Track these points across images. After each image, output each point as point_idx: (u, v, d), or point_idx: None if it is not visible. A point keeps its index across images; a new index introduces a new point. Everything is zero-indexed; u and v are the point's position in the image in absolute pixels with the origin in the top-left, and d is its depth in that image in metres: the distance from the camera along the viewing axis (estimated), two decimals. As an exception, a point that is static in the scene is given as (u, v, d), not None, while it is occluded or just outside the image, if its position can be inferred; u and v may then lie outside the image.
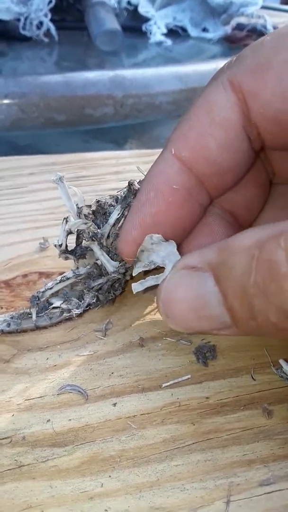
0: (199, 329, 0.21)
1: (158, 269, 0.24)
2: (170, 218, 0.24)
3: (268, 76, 0.21)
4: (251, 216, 0.27)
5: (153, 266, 0.24)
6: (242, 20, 1.25)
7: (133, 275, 0.25)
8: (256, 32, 1.20)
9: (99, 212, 0.27)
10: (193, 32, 1.25)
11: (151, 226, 0.24)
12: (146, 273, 0.26)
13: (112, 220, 0.27)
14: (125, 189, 0.27)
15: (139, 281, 0.25)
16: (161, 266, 0.24)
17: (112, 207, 0.27)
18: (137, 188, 0.27)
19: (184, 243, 0.25)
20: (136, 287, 0.25)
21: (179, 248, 0.25)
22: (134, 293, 0.25)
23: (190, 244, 0.25)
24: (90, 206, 0.27)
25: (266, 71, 0.21)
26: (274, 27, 1.20)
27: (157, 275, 0.24)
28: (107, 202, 0.27)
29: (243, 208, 0.26)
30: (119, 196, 0.27)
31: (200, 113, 0.22)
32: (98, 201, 0.27)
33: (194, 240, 0.25)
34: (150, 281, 0.24)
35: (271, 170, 0.26)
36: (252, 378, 0.25)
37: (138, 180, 0.27)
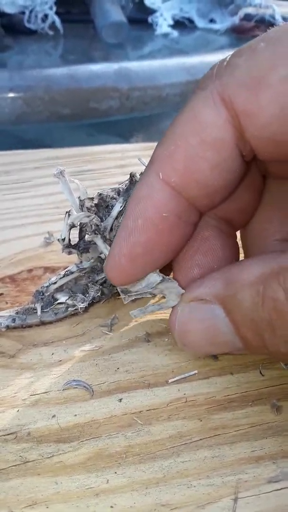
0: (215, 352, 0.24)
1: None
2: (161, 245, 0.23)
3: (264, 95, 0.19)
4: (246, 218, 0.26)
5: (147, 296, 0.25)
6: (250, 10, 1.23)
7: (124, 303, 0.25)
8: (265, 23, 1.18)
9: (101, 205, 0.27)
10: (200, 23, 1.24)
11: (140, 254, 0.23)
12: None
13: (114, 212, 0.26)
14: (127, 181, 0.27)
15: (138, 309, 0.26)
16: (155, 294, 0.25)
17: (114, 200, 0.27)
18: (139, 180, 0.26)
19: (182, 263, 0.24)
20: (136, 313, 0.26)
21: (176, 269, 0.25)
22: (133, 319, 0.26)
23: (189, 263, 0.24)
24: (92, 199, 0.26)
25: (262, 89, 0.19)
26: (283, 17, 1.18)
27: (158, 303, 0.25)
28: (109, 195, 0.27)
29: (238, 213, 0.25)
30: (121, 189, 0.27)
31: (188, 132, 0.20)
32: (100, 194, 0.26)
33: (192, 260, 0.24)
34: (150, 308, 0.25)
35: (264, 168, 0.25)
36: (261, 373, 0.25)
37: (140, 172, 0.27)
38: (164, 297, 0.24)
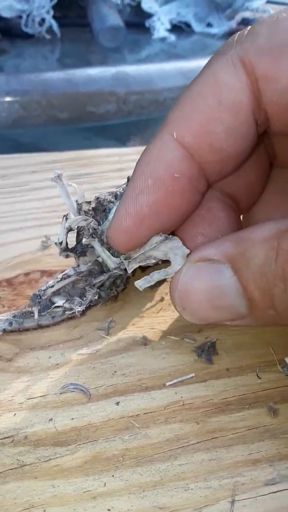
0: (215, 320, 0.22)
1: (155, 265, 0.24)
2: (169, 208, 0.22)
3: (284, 61, 0.19)
4: (251, 200, 0.26)
5: (152, 261, 0.24)
6: (247, 14, 1.24)
7: (129, 272, 0.24)
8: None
9: (99, 209, 0.27)
10: (197, 27, 1.25)
11: (148, 215, 0.22)
12: (143, 270, 0.25)
13: (112, 216, 0.26)
14: (124, 185, 0.27)
15: (142, 278, 0.24)
16: (163, 259, 0.24)
17: (111, 204, 0.27)
18: None
19: (186, 231, 0.24)
20: (141, 283, 0.24)
21: (180, 237, 0.24)
22: (140, 290, 0.24)
23: (193, 231, 0.24)
24: (89, 202, 0.27)
25: (283, 55, 0.19)
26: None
27: (163, 269, 0.24)
28: (107, 199, 0.27)
29: (244, 192, 0.25)
30: (118, 193, 0.27)
31: (206, 93, 0.20)
32: (97, 198, 0.27)
33: (197, 228, 0.24)
34: (156, 275, 0.24)
35: (272, 153, 0.25)
36: (258, 376, 0.25)
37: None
38: (169, 262, 0.24)
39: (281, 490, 0.20)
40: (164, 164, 0.21)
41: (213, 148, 0.21)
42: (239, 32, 0.21)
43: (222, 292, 0.21)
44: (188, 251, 0.23)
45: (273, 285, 0.19)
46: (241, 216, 0.27)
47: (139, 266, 0.24)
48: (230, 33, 1.21)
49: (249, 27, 0.21)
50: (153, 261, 0.24)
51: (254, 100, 0.20)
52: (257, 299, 0.20)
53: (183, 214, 0.23)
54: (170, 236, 0.23)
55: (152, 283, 0.24)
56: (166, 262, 0.24)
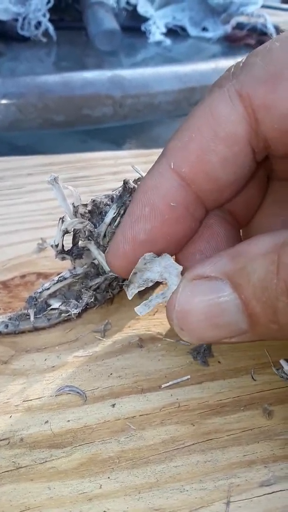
0: (214, 339, 0.22)
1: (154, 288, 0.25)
2: (165, 235, 0.23)
3: (282, 88, 0.19)
4: (249, 214, 0.26)
5: (150, 284, 0.24)
6: (242, 19, 1.25)
7: (129, 298, 0.25)
8: (257, 31, 1.20)
9: (95, 212, 0.27)
10: (192, 31, 1.25)
11: (144, 242, 0.23)
12: (141, 294, 0.26)
13: (108, 219, 0.27)
14: (120, 188, 0.27)
15: (142, 304, 0.25)
16: (159, 281, 0.24)
17: (108, 207, 0.27)
18: (132, 187, 0.26)
19: (185, 249, 0.25)
20: (141, 310, 0.24)
21: (178, 256, 0.25)
22: (141, 315, 0.25)
23: (191, 249, 0.25)
24: (86, 205, 0.27)
25: (279, 82, 0.19)
26: (275, 26, 1.20)
27: (161, 292, 0.24)
28: (103, 202, 0.27)
29: (242, 206, 0.26)
30: (114, 195, 0.27)
31: (202, 125, 0.21)
32: (93, 201, 0.27)
33: (195, 245, 0.25)
34: (154, 300, 0.24)
35: (269, 166, 0.26)
36: (253, 378, 0.25)
37: (133, 179, 0.27)
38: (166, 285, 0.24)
39: (276, 491, 0.20)
40: (161, 193, 0.22)
41: (209, 177, 0.22)
42: (235, 64, 0.22)
43: (221, 309, 0.20)
44: (180, 267, 0.23)
45: (276, 300, 0.19)
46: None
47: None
48: (225, 38, 1.22)
49: (244, 59, 0.21)
50: (151, 283, 0.24)
51: (250, 131, 0.21)
52: (259, 314, 0.20)
53: (180, 241, 0.24)
54: (163, 255, 0.23)
55: (152, 307, 0.24)
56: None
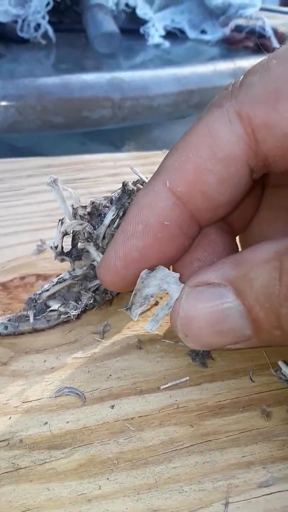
0: (218, 345, 0.22)
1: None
2: (157, 253, 0.23)
3: (283, 106, 0.19)
4: (245, 221, 0.26)
5: (151, 300, 0.24)
6: (241, 22, 1.25)
7: (134, 320, 0.25)
8: (255, 34, 1.20)
9: (94, 214, 0.27)
10: (191, 34, 1.26)
11: (136, 260, 0.23)
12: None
13: (107, 221, 0.27)
14: (119, 190, 0.27)
15: (150, 320, 0.25)
16: (159, 293, 0.24)
17: (107, 208, 0.27)
18: (131, 189, 0.26)
19: (182, 257, 0.25)
20: (152, 326, 0.25)
21: (176, 265, 0.25)
22: (153, 332, 0.25)
23: (189, 257, 0.25)
24: (85, 207, 0.27)
25: (280, 101, 0.19)
26: (273, 29, 1.20)
27: (165, 303, 0.24)
28: (102, 203, 0.27)
29: (238, 215, 0.26)
30: (113, 197, 0.27)
31: (200, 145, 0.21)
32: (93, 203, 0.27)
33: (193, 253, 0.25)
34: (161, 313, 0.25)
35: (265, 178, 0.26)
36: (251, 379, 0.25)
37: (132, 181, 0.27)
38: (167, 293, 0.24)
39: (274, 492, 0.20)
40: (155, 211, 0.22)
41: (205, 197, 0.22)
42: (233, 83, 0.21)
43: (225, 315, 0.21)
44: (177, 274, 0.23)
45: (279, 306, 0.19)
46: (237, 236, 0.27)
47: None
48: (223, 40, 1.22)
49: (241, 78, 0.21)
50: (152, 299, 0.24)
51: (249, 151, 0.21)
52: (263, 320, 0.20)
53: (172, 258, 0.24)
54: (156, 268, 0.24)
55: (160, 321, 0.25)
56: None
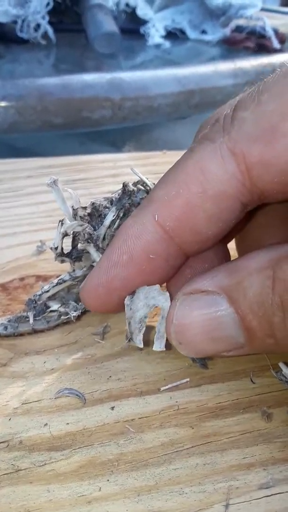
0: (212, 352, 0.22)
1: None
2: (140, 283, 0.23)
3: (279, 144, 0.19)
4: (237, 230, 0.26)
5: (146, 321, 0.24)
6: (241, 22, 1.25)
7: (141, 347, 0.25)
8: (256, 34, 1.20)
9: (94, 215, 0.27)
10: (191, 34, 1.25)
11: (118, 288, 0.23)
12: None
13: (107, 221, 0.27)
14: (119, 191, 0.27)
15: (155, 340, 0.25)
16: (149, 311, 0.24)
17: (107, 209, 0.27)
18: (131, 190, 0.26)
19: None
20: (159, 345, 0.25)
21: None
22: (163, 349, 0.25)
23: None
24: (85, 208, 0.27)
25: (275, 138, 0.19)
26: (274, 29, 1.20)
27: (160, 318, 0.24)
28: (102, 204, 0.27)
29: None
30: (114, 198, 0.27)
31: (190, 180, 0.21)
32: (93, 203, 0.27)
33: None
34: (162, 328, 0.24)
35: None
36: (251, 381, 0.25)
37: (132, 182, 0.27)
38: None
39: (275, 494, 0.20)
40: (141, 243, 0.22)
41: (193, 232, 0.22)
42: (224, 116, 0.21)
43: (219, 323, 0.21)
44: (157, 286, 0.24)
45: (272, 314, 0.19)
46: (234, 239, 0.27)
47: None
48: (224, 40, 1.22)
49: (232, 111, 0.21)
50: (147, 319, 0.24)
51: (242, 189, 0.20)
52: (256, 328, 0.20)
53: (153, 285, 0.24)
54: (136, 290, 0.24)
55: (165, 336, 0.24)
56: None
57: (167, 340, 0.24)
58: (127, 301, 0.24)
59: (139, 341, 0.25)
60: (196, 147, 0.21)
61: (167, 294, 0.24)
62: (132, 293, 0.24)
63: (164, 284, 0.26)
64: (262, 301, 0.19)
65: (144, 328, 0.25)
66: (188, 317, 0.21)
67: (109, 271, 0.23)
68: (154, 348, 0.25)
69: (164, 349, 0.25)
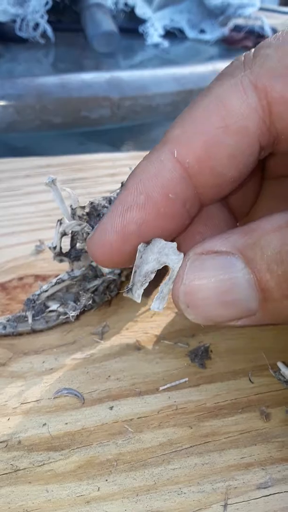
0: (221, 318, 0.20)
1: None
2: (156, 229, 0.21)
3: None
4: (245, 209, 0.26)
5: (152, 277, 0.22)
6: (240, 21, 1.25)
7: (138, 301, 0.23)
8: (254, 34, 1.20)
9: (93, 214, 0.27)
10: (190, 33, 1.25)
11: (133, 234, 0.21)
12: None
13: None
14: (118, 190, 0.27)
15: (155, 298, 0.23)
16: (158, 268, 0.23)
17: (105, 209, 0.27)
18: None
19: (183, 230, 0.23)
20: (157, 304, 0.23)
21: (177, 238, 0.23)
22: (161, 311, 0.23)
23: (191, 230, 0.23)
24: (84, 207, 0.27)
25: None
26: (272, 29, 1.20)
27: (168, 277, 0.23)
28: (101, 204, 0.27)
29: (239, 200, 0.25)
30: (112, 197, 0.27)
31: (212, 116, 0.20)
32: (91, 203, 0.27)
33: (194, 226, 0.23)
34: (165, 288, 0.23)
35: (262, 167, 0.25)
36: (250, 380, 0.25)
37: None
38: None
39: (273, 494, 0.20)
40: (159, 182, 0.20)
41: (214, 172, 0.20)
42: (245, 54, 0.20)
43: (232, 285, 0.19)
44: (175, 244, 0.22)
45: None
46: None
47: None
48: (222, 40, 1.22)
49: (253, 50, 0.20)
50: (152, 275, 0.23)
51: (262, 126, 0.20)
52: (273, 289, 0.19)
53: (169, 236, 0.22)
54: (150, 240, 0.22)
55: (166, 298, 0.23)
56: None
57: (165, 340, 0.24)
58: (140, 247, 0.21)
59: (137, 296, 0.23)
60: (214, 85, 0.21)
61: (182, 255, 0.22)
62: (148, 242, 0.22)
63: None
64: (281, 259, 0.18)
65: (147, 284, 0.23)
66: (199, 278, 0.20)
67: (124, 214, 0.21)
68: (151, 308, 0.23)
69: (162, 310, 0.23)
